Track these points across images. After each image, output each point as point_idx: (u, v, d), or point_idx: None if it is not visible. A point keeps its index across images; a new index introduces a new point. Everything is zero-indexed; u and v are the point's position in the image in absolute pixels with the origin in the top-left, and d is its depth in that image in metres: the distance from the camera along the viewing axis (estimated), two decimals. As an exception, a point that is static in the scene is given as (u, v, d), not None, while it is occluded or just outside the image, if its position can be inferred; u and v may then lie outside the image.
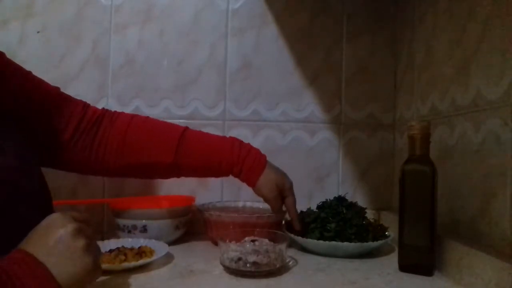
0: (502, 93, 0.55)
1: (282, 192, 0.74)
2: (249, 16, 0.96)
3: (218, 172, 0.73)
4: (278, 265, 0.61)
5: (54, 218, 0.44)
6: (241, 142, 0.74)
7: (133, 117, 0.73)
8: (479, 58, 0.61)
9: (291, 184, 0.75)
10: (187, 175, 0.75)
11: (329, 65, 0.96)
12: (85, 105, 0.70)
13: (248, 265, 0.60)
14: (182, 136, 0.71)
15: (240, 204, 0.91)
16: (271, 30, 0.96)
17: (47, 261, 0.41)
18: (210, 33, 0.95)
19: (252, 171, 0.72)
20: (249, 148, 0.74)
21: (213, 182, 0.94)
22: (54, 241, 0.42)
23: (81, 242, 0.43)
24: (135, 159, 0.70)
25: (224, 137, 0.75)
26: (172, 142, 0.70)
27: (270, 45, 0.96)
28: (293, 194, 0.75)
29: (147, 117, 0.74)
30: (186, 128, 0.73)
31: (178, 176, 0.74)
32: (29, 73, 0.64)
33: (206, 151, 0.71)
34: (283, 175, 0.75)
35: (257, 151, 0.74)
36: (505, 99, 0.55)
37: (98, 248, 0.47)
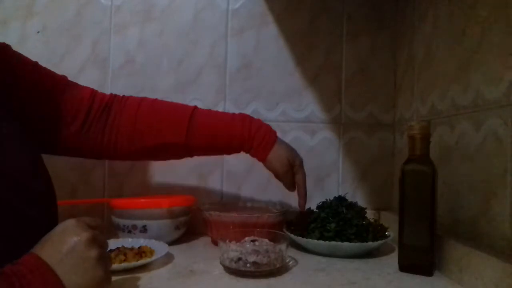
0: (502, 93, 0.55)
1: (293, 168, 0.74)
2: (249, 16, 0.96)
3: (229, 149, 0.74)
4: (278, 265, 0.61)
5: (69, 225, 0.44)
6: (251, 118, 0.75)
7: (142, 100, 0.73)
8: (479, 58, 0.61)
9: (301, 160, 0.76)
10: (199, 154, 0.75)
11: (329, 65, 0.96)
12: (93, 92, 0.71)
13: (248, 265, 0.60)
14: (192, 116, 0.71)
15: (240, 204, 0.91)
16: (271, 30, 0.96)
17: (58, 269, 0.40)
18: (210, 33, 0.95)
19: (262, 147, 0.73)
20: (259, 124, 0.74)
21: (213, 182, 0.94)
22: (67, 249, 0.42)
23: (94, 252, 0.43)
24: (147, 142, 0.71)
25: (234, 114, 0.75)
26: (183, 122, 0.71)
27: (270, 45, 0.96)
28: (303, 171, 0.76)
29: (155, 100, 0.75)
30: (195, 108, 0.74)
31: (191, 155, 0.75)
32: (36, 63, 0.64)
33: (216, 129, 0.72)
34: (294, 151, 0.76)
35: (267, 127, 0.75)
36: (505, 99, 0.55)
37: (110, 258, 0.47)
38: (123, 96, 0.74)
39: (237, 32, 0.96)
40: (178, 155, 0.76)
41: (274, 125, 0.95)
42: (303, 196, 0.76)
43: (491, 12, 0.59)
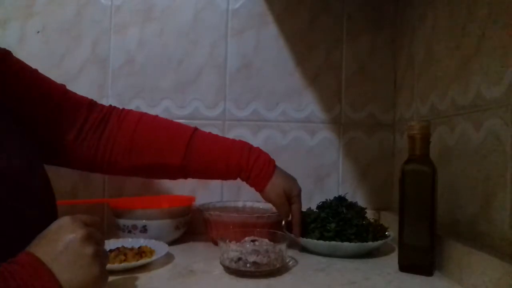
0: (502, 93, 0.55)
1: (289, 199, 0.73)
2: (249, 16, 0.96)
3: (225, 176, 0.73)
4: (278, 265, 0.61)
5: (64, 222, 0.44)
6: (251, 147, 0.73)
7: (141, 116, 0.72)
8: (479, 58, 0.61)
9: (299, 191, 0.74)
10: (194, 177, 0.74)
11: (329, 65, 0.96)
12: (91, 102, 0.69)
13: (248, 265, 0.60)
14: (191, 139, 0.70)
15: (240, 204, 0.91)
16: (271, 30, 0.96)
17: (54, 266, 0.40)
18: (210, 33, 0.95)
19: (260, 178, 0.71)
20: (258, 153, 0.72)
21: (213, 182, 0.94)
22: (62, 247, 0.41)
23: (89, 250, 0.42)
24: (143, 161, 0.69)
25: (234, 141, 0.74)
26: (181, 145, 0.69)
27: (270, 45, 0.96)
28: (299, 201, 0.74)
29: (156, 117, 0.74)
30: (195, 130, 0.72)
31: (185, 177, 0.74)
32: (35, 70, 0.64)
33: (214, 156, 0.71)
34: (292, 182, 0.74)
35: (266, 157, 0.73)
36: (505, 99, 0.55)
37: (106, 255, 0.47)
38: (123, 109, 0.72)
39: (237, 32, 0.96)
40: (172, 176, 0.74)
41: (274, 125, 0.96)
42: (298, 225, 0.74)
43: (490, 12, 0.59)
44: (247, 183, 0.73)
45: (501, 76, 0.55)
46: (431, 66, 0.78)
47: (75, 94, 0.68)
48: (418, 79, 0.84)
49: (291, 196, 0.73)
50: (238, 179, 0.73)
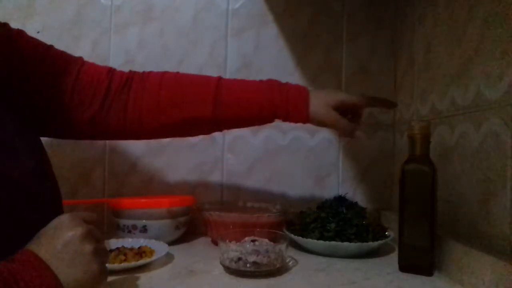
0: (502, 93, 0.55)
1: (343, 106, 0.68)
2: (249, 16, 0.96)
3: (260, 119, 0.69)
4: (278, 265, 0.61)
5: (63, 219, 0.44)
6: (279, 82, 0.69)
7: (164, 73, 0.70)
8: (479, 58, 0.61)
9: (346, 95, 0.68)
10: (229, 127, 0.72)
11: (329, 65, 0.96)
12: (111, 70, 0.68)
13: (248, 265, 0.60)
14: (218, 87, 0.67)
15: (240, 204, 0.91)
16: (271, 30, 0.96)
17: (53, 264, 0.40)
18: (210, 33, 0.95)
19: (300, 106, 0.67)
20: (288, 86, 0.69)
21: (213, 182, 0.94)
22: (62, 244, 0.42)
23: (89, 247, 0.43)
24: (173, 117, 0.67)
25: (262, 81, 0.70)
26: (208, 94, 0.67)
27: (270, 45, 0.96)
28: (356, 95, 0.69)
29: (177, 73, 0.71)
30: (220, 78, 0.69)
31: (220, 130, 0.72)
32: (50, 46, 0.63)
33: (244, 99, 0.67)
34: (334, 92, 0.69)
35: (297, 85, 0.69)
36: (505, 99, 0.55)
37: (106, 252, 0.47)
38: (143, 72, 0.70)
39: (237, 32, 0.96)
40: (206, 130, 0.72)
41: (273, 125, 0.95)
42: (383, 100, 0.70)
43: (490, 12, 0.59)
44: (289, 120, 0.69)
45: (501, 76, 0.56)
46: (431, 66, 0.78)
47: (93, 64, 0.67)
48: (418, 79, 0.84)
49: (342, 104, 0.67)
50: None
